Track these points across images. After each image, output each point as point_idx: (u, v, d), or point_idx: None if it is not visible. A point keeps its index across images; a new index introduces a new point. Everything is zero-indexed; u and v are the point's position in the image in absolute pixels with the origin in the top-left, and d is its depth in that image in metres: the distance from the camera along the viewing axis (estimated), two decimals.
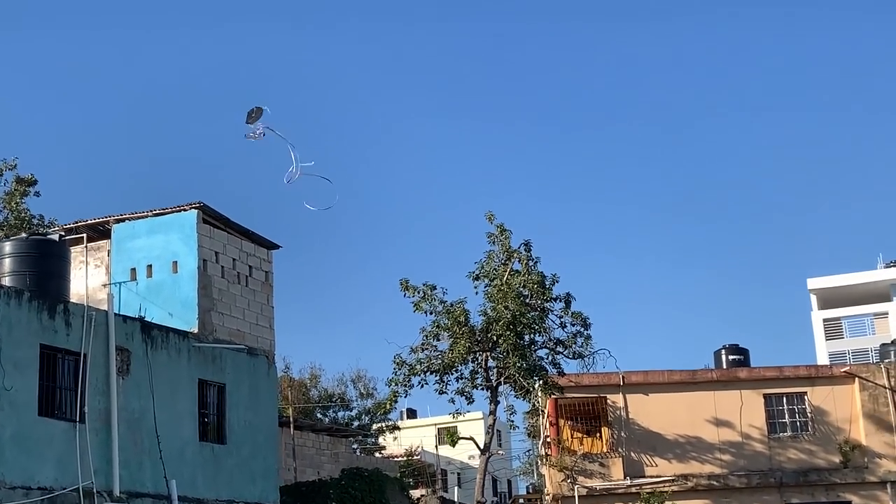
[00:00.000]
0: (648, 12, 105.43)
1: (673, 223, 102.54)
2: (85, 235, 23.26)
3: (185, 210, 23.09)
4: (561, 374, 31.79)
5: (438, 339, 30.37)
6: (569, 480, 32.22)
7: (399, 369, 30.47)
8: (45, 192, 31.43)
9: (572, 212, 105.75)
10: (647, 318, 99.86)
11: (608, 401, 33.19)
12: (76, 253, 22.83)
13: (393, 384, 30.62)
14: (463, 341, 29.77)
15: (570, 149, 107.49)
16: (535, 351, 31.20)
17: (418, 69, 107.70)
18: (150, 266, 23.21)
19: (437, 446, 60.84)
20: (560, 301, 31.45)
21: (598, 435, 33.70)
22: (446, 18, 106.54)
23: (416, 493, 40.68)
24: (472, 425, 54.60)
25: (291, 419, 33.14)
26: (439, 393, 30.47)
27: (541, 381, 30.74)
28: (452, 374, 30.62)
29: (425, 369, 30.31)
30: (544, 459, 34.29)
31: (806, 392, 32.94)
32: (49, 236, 21.93)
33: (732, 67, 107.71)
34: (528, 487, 60.13)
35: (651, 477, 32.32)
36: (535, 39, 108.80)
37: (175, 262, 23.07)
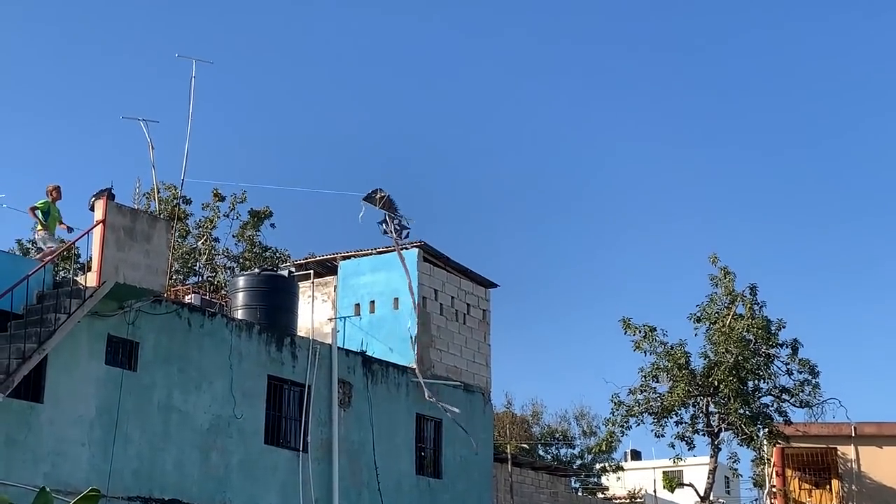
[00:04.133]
0: None
1: None
2: (312, 271, 24.32)
3: (406, 248, 23.79)
4: (787, 422, 30.73)
5: (657, 381, 30.06)
6: None
7: (617, 409, 30.34)
8: (279, 223, 33.09)
9: (802, 249, 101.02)
10: (882, 364, 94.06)
11: (838, 452, 31.79)
12: (304, 288, 23.90)
13: (610, 424, 30.55)
14: (683, 384, 29.33)
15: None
16: (758, 398, 30.37)
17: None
18: (372, 302, 24.00)
19: (655, 490, 59.51)
20: (786, 347, 30.50)
21: (826, 487, 32.32)
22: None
23: None
24: (698, 470, 53.16)
25: (509, 455, 33.30)
26: (656, 436, 30.11)
27: (765, 430, 29.85)
28: (671, 417, 30.23)
29: (643, 410, 30.05)
30: None
31: None
32: (280, 272, 23.07)
33: None
34: None
35: None
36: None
37: (396, 299, 23.77)
